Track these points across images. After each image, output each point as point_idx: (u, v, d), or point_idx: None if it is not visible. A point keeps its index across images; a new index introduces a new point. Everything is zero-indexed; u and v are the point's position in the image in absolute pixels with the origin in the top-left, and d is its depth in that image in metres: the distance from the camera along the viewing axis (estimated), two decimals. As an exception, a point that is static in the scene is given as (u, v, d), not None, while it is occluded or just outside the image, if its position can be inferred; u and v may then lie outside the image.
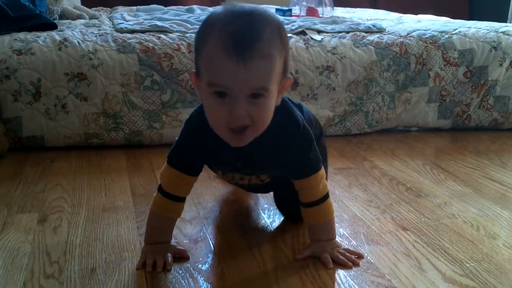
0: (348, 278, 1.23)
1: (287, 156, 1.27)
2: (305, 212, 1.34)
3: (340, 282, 1.22)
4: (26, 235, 1.44)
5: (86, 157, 2.08)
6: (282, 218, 1.55)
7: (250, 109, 1.11)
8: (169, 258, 1.29)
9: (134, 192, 1.72)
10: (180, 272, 1.26)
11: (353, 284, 1.21)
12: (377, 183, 1.83)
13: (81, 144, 2.18)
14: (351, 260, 1.29)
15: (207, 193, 1.71)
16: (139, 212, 1.56)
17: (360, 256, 1.32)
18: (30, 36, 2.25)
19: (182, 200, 1.33)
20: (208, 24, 1.14)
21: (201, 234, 1.45)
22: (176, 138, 1.32)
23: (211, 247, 1.39)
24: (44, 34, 2.28)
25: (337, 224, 1.50)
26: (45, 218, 1.54)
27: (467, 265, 1.29)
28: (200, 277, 1.24)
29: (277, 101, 1.18)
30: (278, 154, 1.26)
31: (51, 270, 1.26)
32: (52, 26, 2.43)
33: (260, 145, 1.21)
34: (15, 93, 2.11)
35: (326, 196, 1.33)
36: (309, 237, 1.36)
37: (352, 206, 1.63)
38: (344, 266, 1.27)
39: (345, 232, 1.46)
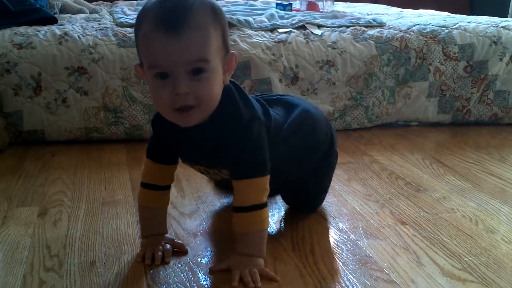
0: (346, 272, 1.24)
1: (225, 150, 1.22)
2: (236, 218, 1.24)
3: (339, 276, 1.23)
4: (26, 229, 1.44)
5: (86, 151, 2.09)
6: (282, 213, 1.55)
7: (193, 87, 1.10)
8: (168, 249, 1.29)
9: (134, 186, 1.72)
10: (179, 265, 1.26)
11: (352, 278, 1.21)
12: (377, 178, 1.83)
13: (82, 139, 2.19)
14: (254, 280, 1.18)
15: (206, 187, 1.72)
16: (138, 207, 1.57)
17: (273, 280, 1.20)
18: (30, 30, 2.25)
19: (163, 188, 1.33)
20: (141, 11, 1.14)
21: (200, 228, 1.46)
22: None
23: (210, 241, 1.39)
24: (45, 28, 2.28)
25: (336, 218, 1.51)
26: (45, 211, 1.55)
27: (466, 259, 1.30)
28: (199, 271, 1.24)
29: (224, 80, 1.17)
30: (220, 146, 1.22)
31: (51, 263, 1.27)
32: (53, 20, 2.43)
33: (205, 132, 1.20)
34: (16, 87, 2.11)
35: (260, 206, 1.22)
36: (235, 251, 1.26)
37: (351, 200, 1.64)
38: (245, 286, 1.18)
39: (344, 226, 1.46)
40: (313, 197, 1.55)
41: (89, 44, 2.17)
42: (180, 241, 1.35)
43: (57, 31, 2.23)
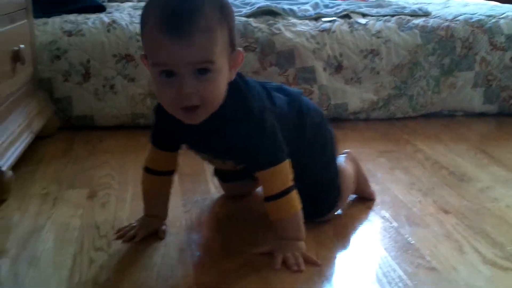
0: (388, 258, 1.25)
1: (238, 143, 1.22)
2: (268, 207, 1.25)
3: (380, 261, 1.24)
4: (76, 210, 1.49)
5: (133, 136, 2.13)
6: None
7: (199, 86, 1.09)
8: (142, 233, 1.33)
9: (180, 170, 1.74)
10: (224, 248, 1.29)
11: (393, 264, 1.23)
12: (420, 167, 1.83)
13: (129, 124, 2.24)
14: (297, 264, 1.20)
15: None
16: (184, 190, 1.60)
17: (315, 264, 1.21)
18: (80, 18, 2.30)
19: (164, 174, 1.36)
20: (147, 5, 1.14)
21: (244, 212, 1.49)
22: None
23: (254, 225, 1.42)
24: (94, 16, 2.33)
25: (378, 206, 1.52)
26: (94, 194, 1.60)
27: (508, 248, 1.30)
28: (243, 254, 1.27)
29: (230, 77, 1.17)
30: (232, 142, 1.23)
31: (100, 243, 1.31)
32: (101, 8, 2.48)
33: (212, 126, 1.20)
34: (65, 73, 2.17)
35: (288, 190, 1.23)
36: (274, 235, 1.27)
37: (394, 189, 1.64)
38: (288, 269, 1.19)
39: (386, 214, 1.48)
40: (321, 189, 1.41)
41: (136, 32, 2.21)
42: (164, 229, 1.36)
43: (106, 19, 2.28)
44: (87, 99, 2.19)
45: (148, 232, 1.33)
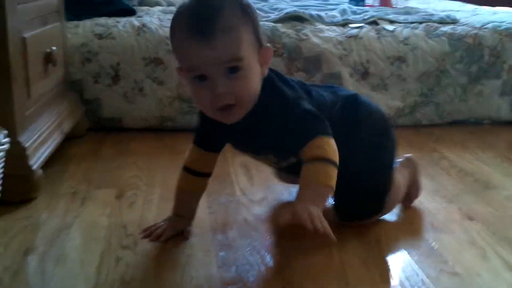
0: (411, 262, 1.26)
1: (282, 135, 1.22)
2: (304, 168, 1.18)
3: (402, 265, 1.25)
4: (104, 209, 1.52)
5: (160, 139, 2.16)
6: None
7: (231, 85, 1.13)
8: (169, 232, 1.34)
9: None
10: (248, 249, 1.31)
11: (416, 268, 1.23)
12: (445, 174, 1.83)
13: (157, 127, 2.27)
14: (314, 223, 1.08)
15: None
16: (210, 192, 1.61)
17: (329, 235, 1.10)
18: (110, 21, 2.34)
19: (201, 175, 1.38)
20: (175, 15, 1.19)
21: (269, 214, 1.50)
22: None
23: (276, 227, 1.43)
24: (124, 19, 2.37)
25: (402, 211, 1.52)
26: (122, 194, 1.63)
27: (533, 255, 1.30)
28: (266, 254, 1.28)
29: (262, 73, 1.20)
30: (271, 133, 1.24)
31: (127, 242, 1.34)
32: (131, 12, 2.52)
33: (251, 122, 1.22)
34: (96, 75, 2.21)
35: (329, 160, 1.16)
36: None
37: (419, 195, 1.65)
38: (302, 224, 1.09)
39: (410, 220, 1.48)
40: (364, 195, 1.38)
41: (166, 36, 2.24)
42: (190, 230, 1.38)
43: (136, 23, 2.31)
44: (116, 101, 2.23)
45: (174, 231, 1.35)
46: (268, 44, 1.22)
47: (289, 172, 1.45)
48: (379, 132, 1.43)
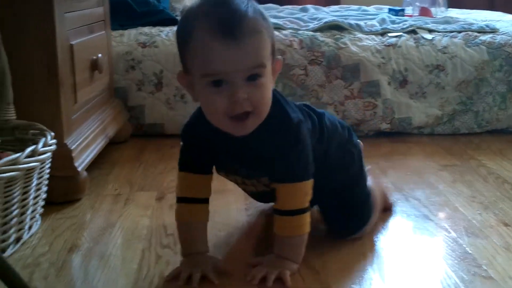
0: (445, 265, 1.27)
1: (272, 152, 1.19)
2: (277, 220, 1.22)
3: (436, 268, 1.27)
4: (145, 210, 1.57)
5: (201, 144, 2.21)
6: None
7: (250, 93, 1.08)
8: (210, 273, 1.20)
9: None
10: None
11: (449, 271, 1.25)
12: (482, 181, 1.84)
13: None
14: (284, 280, 1.17)
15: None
16: (247, 195, 1.65)
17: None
18: (154, 30, 2.41)
19: (201, 201, 1.27)
20: (188, 18, 1.13)
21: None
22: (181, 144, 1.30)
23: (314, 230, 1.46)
24: (167, 28, 2.44)
25: (437, 217, 1.54)
26: (163, 196, 1.68)
27: None
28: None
29: (272, 85, 1.16)
30: (269, 153, 1.19)
31: (166, 241, 1.39)
32: (174, 22, 2.58)
33: (253, 140, 1.17)
34: (139, 83, 2.28)
35: (303, 210, 1.20)
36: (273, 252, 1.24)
37: (455, 201, 1.65)
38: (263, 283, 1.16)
39: (445, 224, 1.49)
40: (348, 199, 1.39)
41: (207, 44, 2.29)
42: (221, 261, 1.26)
43: (178, 32, 2.37)
44: (159, 108, 2.29)
45: (202, 271, 1.20)
46: (279, 56, 1.19)
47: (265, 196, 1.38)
48: (344, 143, 1.39)
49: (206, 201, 1.28)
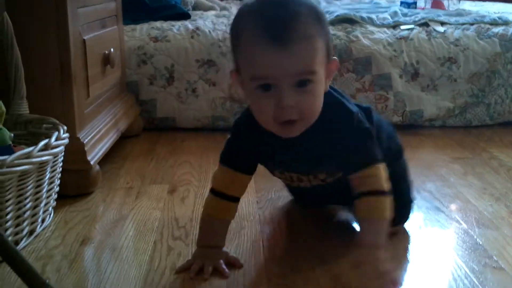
0: (455, 256, 1.28)
1: (342, 150, 1.16)
2: (359, 203, 1.16)
3: (446, 259, 1.27)
4: (157, 203, 1.59)
5: (212, 138, 2.22)
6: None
7: (298, 99, 1.05)
8: (222, 265, 1.21)
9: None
10: (294, 242, 1.35)
11: (460, 262, 1.25)
12: (494, 173, 1.83)
13: (209, 126, 2.33)
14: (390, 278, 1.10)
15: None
16: (259, 188, 1.67)
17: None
18: (165, 24, 2.42)
19: (234, 200, 1.27)
20: (240, 17, 1.11)
21: (316, 210, 1.54)
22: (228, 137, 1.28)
23: (324, 222, 1.47)
24: (179, 23, 2.45)
25: (449, 208, 1.54)
26: (174, 189, 1.69)
27: None
28: (312, 249, 1.32)
29: (325, 87, 1.12)
30: (331, 148, 1.17)
31: (178, 233, 1.40)
32: (186, 16, 2.60)
33: (311, 138, 1.15)
34: (151, 77, 2.29)
35: (383, 192, 1.15)
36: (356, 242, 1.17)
37: (466, 193, 1.66)
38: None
39: (456, 216, 1.50)
40: (402, 198, 1.35)
41: (218, 39, 2.30)
42: (234, 255, 1.26)
43: (190, 26, 2.38)
44: (170, 102, 2.30)
45: (214, 264, 1.21)
46: (335, 57, 1.15)
47: (322, 191, 1.36)
48: (391, 138, 1.37)
49: (238, 199, 1.28)
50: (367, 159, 1.16)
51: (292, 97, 1.05)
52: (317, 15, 1.08)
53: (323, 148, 1.18)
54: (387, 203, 1.14)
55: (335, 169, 1.25)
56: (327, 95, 1.14)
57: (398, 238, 1.37)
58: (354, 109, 1.19)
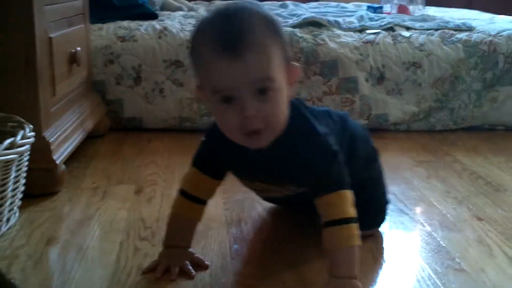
0: (419, 258, 1.30)
1: (307, 169, 1.15)
2: (324, 233, 1.14)
3: (410, 261, 1.30)
4: (124, 203, 1.58)
5: (179, 139, 2.22)
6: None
7: (260, 107, 1.04)
8: (187, 266, 1.23)
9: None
10: (261, 243, 1.36)
11: (423, 264, 1.27)
12: (457, 176, 1.87)
13: (175, 127, 2.33)
14: None
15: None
16: (225, 190, 1.65)
17: None
18: (133, 24, 2.41)
19: (202, 202, 1.27)
20: (195, 33, 1.10)
21: (283, 211, 1.55)
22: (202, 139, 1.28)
23: (291, 223, 1.48)
24: (146, 23, 2.44)
25: (412, 211, 1.56)
26: (141, 190, 1.69)
27: (538, 254, 1.33)
28: (279, 249, 1.33)
29: (289, 94, 1.10)
30: (297, 164, 1.15)
31: (145, 234, 1.39)
32: (153, 16, 2.59)
33: (278, 151, 1.13)
34: (118, 77, 2.28)
35: (353, 220, 1.13)
36: (327, 272, 1.15)
37: (430, 196, 1.68)
38: None
39: (420, 219, 1.52)
40: (370, 198, 1.37)
41: (186, 39, 2.30)
42: (199, 256, 1.27)
43: (157, 26, 2.38)
44: (137, 102, 2.29)
45: (180, 265, 1.22)
46: (297, 64, 1.13)
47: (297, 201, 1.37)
48: (366, 143, 1.39)
49: (205, 202, 1.28)
50: (331, 185, 1.15)
51: (254, 106, 1.03)
52: (270, 23, 1.07)
53: (290, 162, 1.16)
54: (354, 228, 1.13)
55: (303, 184, 1.23)
56: (295, 108, 1.14)
57: (375, 240, 1.39)
58: (322, 130, 1.17)
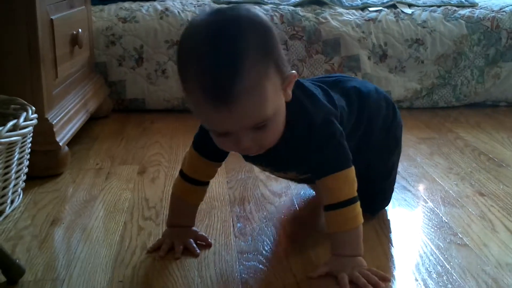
0: (421, 234, 1.30)
1: (303, 156, 1.15)
2: (326, 217, 1.14)
3: (413, 236, 1.30)
4: (127, 184, 1.59)
5: (182, 119, 2.22)
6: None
7: (256, 138, 1.03)
8: (192, 244, 1.23)
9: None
10: (265, 221, 1.37)
11: (426, 239, 1.28)
12: (459, 153, 1.87)
13: (178, 108, 2.33)
14: (372, 283, 1.08)
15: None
16: (228, 169, 1.68)
17: (385, 280, 1.11)
18: (134, 5, 2.40)
19: (202, 184, 1.27)
20: (183, 55, 1.02)
21: (285, 190, 1.55)
22: None
23: (294, 201, 1.49)
24: (147, 3, 2.43)
25: (415, 188, 1.57)
26: (144, 170, 1.69)
27: (540, 229, 1.34)
28: (281, 228, 1.34)
29: (286, 98, 1.07)
30: (297, 154, 1.15)
31: (148, 214, 1.40)
32: (154, -3, 2.58)
33: (275, 146, 1.10)
34: (120, 58, 2.28)
35: (353, 200, 1.12)
36: (330, 251, 1.16)
37: (432, 172, 1.69)
38: None
39: (422, 195, 1.53)
40: (379, 184, 1.40)
41: (187, 19, 2.29)
42: (203, 233, 1.28)
43: (159, 7, 2.37)
44: (139, 83, 2.29)
45: (184, 243, 1.23)
46: (293, 71, 1.07)
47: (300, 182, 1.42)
48: (387, 130, 1.37)
49: (207, 183, 1.28)
50: (330, 168, 1.13)
51: (249, 139, 1.02)
52: (261, 39, 1.00)
53: (290, 154, 1.16)
54: (354, 209, 1.12)
55: (304, 171, 1.25)
56: (294, 101, 1.10)
57: (378, 217, 1.39)
58: (320, 118, 1.13)
